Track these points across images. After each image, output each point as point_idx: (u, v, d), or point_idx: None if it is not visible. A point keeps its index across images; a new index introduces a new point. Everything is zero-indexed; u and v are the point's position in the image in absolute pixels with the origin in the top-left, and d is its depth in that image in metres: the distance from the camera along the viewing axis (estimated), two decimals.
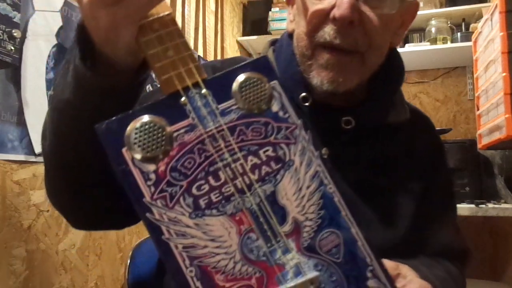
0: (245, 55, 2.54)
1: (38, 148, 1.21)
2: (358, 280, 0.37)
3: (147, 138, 0.36)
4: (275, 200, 0.38)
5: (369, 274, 0.38)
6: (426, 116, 0.76)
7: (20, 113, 1.17)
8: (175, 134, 0.37)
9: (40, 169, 1.23)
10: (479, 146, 1.62)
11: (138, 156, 0.36)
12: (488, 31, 1.46)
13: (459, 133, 2.16)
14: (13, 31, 1.06)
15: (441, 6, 2.12)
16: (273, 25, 2.25)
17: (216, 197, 0.37)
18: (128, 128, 0.36)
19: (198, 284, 0.34)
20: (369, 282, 0.37)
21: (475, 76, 1.67)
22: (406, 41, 2.14)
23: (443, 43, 2.01)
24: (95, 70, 0.42)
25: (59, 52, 1.32)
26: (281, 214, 0.37)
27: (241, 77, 0.39)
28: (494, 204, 1.58)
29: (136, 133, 0.36)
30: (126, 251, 1.54)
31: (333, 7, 0.54)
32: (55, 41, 1.30)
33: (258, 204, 0.37)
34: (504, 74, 1.28)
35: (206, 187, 0.37)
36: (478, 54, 1.63)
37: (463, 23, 2.06)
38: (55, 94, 0.49)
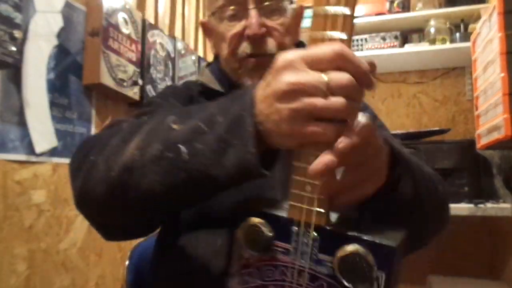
0: None
1: (38, 148, 1.22)
2: None
3: (254, 236, 0.45)
4: None
5: None
6: None
7: (21, 113, 1.17)
8: (274, 248, 0.44)
9: (41, 169, 1.23)
10: (478, 146, 1.62)
11: (243, 242, 0.46)
12: (487, 31, 1.46)
13: (458, 133, 2.17)
14: (15, 32, 1.07)
15: (440, 7, 2.12)
16: None
17: None
18: (253, 221, 0.46)
19: None
20: None
21: (473, 76, 1.67)
22: (405, 41, 2.15)
23: (442, 43, 2.02)
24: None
25: (59, 53, 1.33)
26: None
27: (352, 247, 0.40)
28: (493, 203, 1.58)
29: (250, 229, 0.46)
30: (126, 251, 1.54)
31: (244, 28, 0.70)
32: (56, 42, 1.31)
33: None
34: (502, 74, 1.28)
35: None
36: (477, 55, 1.63)
37: (462, 24, 2.07)
38: (192, 161, 0.46)
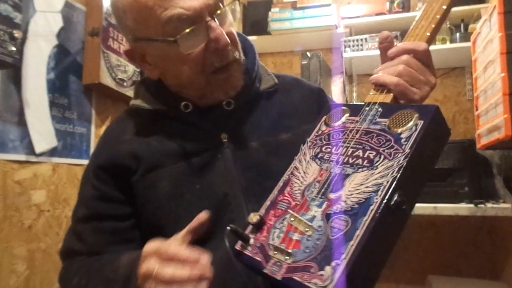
0: None
1: (38, 148, 1.22)
2: (324, 258, 0.46)
3: (335, 114, 0.62)
4: (344, 178, 0.52)
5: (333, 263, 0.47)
6: (293, 76, 0.89)
7: (21, 113, 1.17)
8: (345, 120, 0.60)
9: (41, 169, 1.23)
10: (478, 146, 1.62)
11: (324, 121, 0.63)
12: (487, 31, 1.46)
13: (458, 133, 2.17)
14: (14, 31, 1.07)
15: None
16: (273, 26, 2.25)
17: (326, 157, 0.57)
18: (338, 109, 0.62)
19: (281, 184, 0.59)
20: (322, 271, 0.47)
21: (474, 76, 1.67)
22: None
23: (442, 43, 2.02)
24: None
25: (59, 53, 1.33)
26: (339, 187, 0.52)
27: (404, 110, 0.54)
28: (493, 203, 1.58)
29: (333, 112, 0.62)
30: None
31: (207, 43, 0.66)
32: (55, 42, 1.31)
33: (335, 174, 0.54)
34: (502, 74, 1.28)
35: (328, 149, 0.58)
36: (477, 55, 1.63)
37: (462, 24, 2.06)
38: None
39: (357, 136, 0.56)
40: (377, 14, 2.14)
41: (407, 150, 0.49)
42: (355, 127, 0.57)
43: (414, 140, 0.50)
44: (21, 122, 1.17)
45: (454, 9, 2.03)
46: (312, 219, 0.50)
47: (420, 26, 0.65)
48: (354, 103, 0.61)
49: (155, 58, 0.70)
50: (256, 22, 2.38)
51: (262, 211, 0.57)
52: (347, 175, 0.52)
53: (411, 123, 0.52)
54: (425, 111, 0.52)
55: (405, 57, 0.61)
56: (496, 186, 1.71)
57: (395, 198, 0.47)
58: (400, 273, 2.14)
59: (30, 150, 1.19)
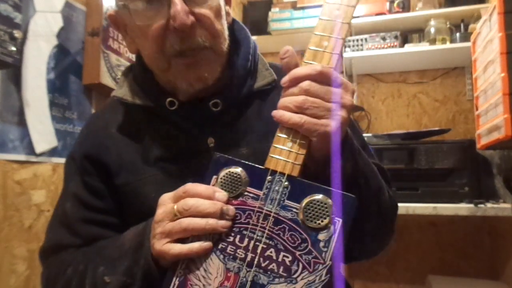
0: None
1: (38, 148, 1.22)
2: None
3: (230, 181, 0.49)
4: None
5: None
6: None
7: (21, 113, 1.17)
8: (245, 193, 0.49)
9: (41, 169, 1.23)
10: (478, 146, 1.62)
11: (218, 186, 0.50)
12: (487, 31, 1.46)
13: (458, 133, 2.16)
14: (14, 31, 1.07)
15: (440, 7, 2.12)
16: (273, 26, 2.25)
17: (230, 250, 0.46)
18: (227, 167, 0.50)
19: (176, 284, 0.47)
20: None
21: (474, 76, 1.67)
22: (405, 41, 2.15)
23: (442, 43, 2.02)
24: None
25: (59, 53, 1.33)
26: None
27: (318, 196, 0.46)
28: (493, 203, 1.58)
29: (227, 173, 0.50)
30: None
31: (168, 19, 0.58)
32: (55, 42, 1.31)
33: (247, 282, 0.45)
34: (502, 74, 1.28)
35: (231, 239, 0.47)
36: (477, 55, 1.63)
37: (462, 24, 2.06)
38: None
39: (266, 224, 0.46)
40: (377, 14, 2.14)
41: (328, 262, 0.43)
42: (259, 207, 0.47)
43: (335, 247, 0.44)
44: (21, 122, 1.17)
45: (454, 9, 2.03)
46: None
47: (322, 46, 0.54)
48: (252, 164, 0.51)
49: (131, 30, 0.65)
50: (256, 22, 2.37)
51: None
52: (262, 286, 0.44)
53: (326, 220, 0.45)
54: (341, 203, 0.45)
55: (305, 84, 0.50)
56: (496, 186, 1.71)
57: None
58: (400, 273, 2.14)
59: (30, 150, 1.19)
